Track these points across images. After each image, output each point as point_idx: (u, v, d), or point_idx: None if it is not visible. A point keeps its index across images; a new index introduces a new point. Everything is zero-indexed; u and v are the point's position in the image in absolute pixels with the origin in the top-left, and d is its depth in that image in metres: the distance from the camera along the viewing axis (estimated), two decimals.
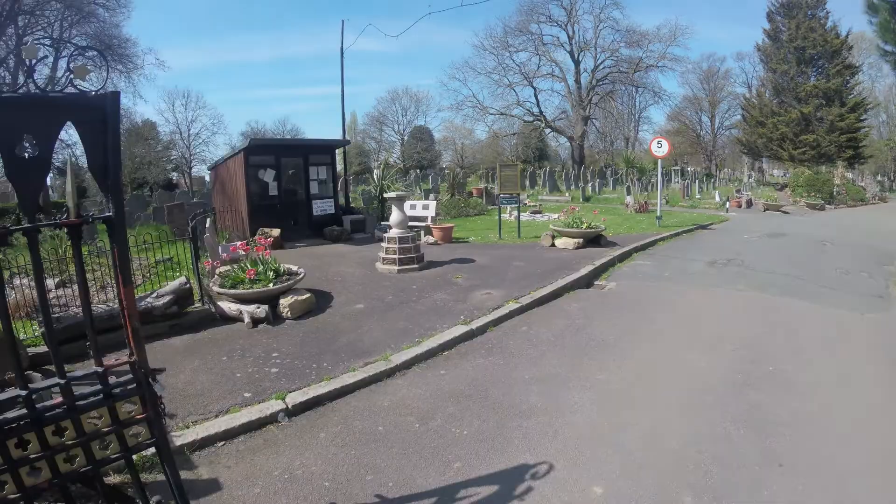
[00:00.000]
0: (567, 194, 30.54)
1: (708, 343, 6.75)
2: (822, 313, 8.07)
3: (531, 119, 53.39)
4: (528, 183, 36.31)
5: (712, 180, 39.54)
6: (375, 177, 18.91)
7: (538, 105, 52.86)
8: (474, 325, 7.46)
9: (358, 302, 8.60)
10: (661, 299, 8.92)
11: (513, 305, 8.36)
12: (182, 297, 7.38)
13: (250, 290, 7.73)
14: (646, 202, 22.49)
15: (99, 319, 6.45)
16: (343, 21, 19.62)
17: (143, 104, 72.92)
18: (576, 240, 12.85)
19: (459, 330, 7.23)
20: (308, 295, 8.12)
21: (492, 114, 52.25)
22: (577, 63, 50.62)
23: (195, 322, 7.40)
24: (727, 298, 8.91)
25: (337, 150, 18.06)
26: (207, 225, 12.25)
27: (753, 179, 45.19)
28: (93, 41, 32.80)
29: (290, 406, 5.07)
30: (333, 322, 7.60)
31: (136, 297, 7.38)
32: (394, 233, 11.08)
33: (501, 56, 50.61)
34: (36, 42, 31.65)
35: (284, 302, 7.70)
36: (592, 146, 61.47)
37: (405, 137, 67.09)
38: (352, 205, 18.97)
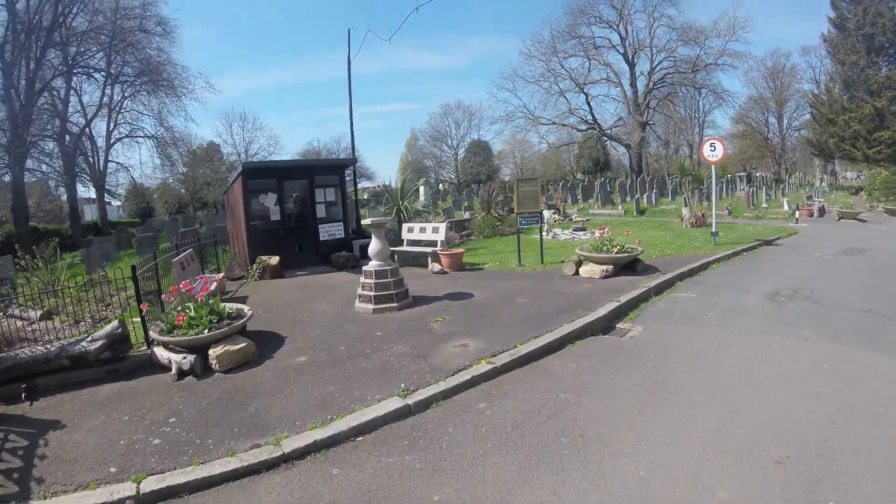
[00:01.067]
0: (620, 207, 27.88)
1: (742, 447, 4.45)
2: None
3: (585, 128, 50.34)
4: (580, 196, 33.81)
5: (781, 186, 35.42)
6: (392, 195, 17.25)
7: (591, 112, 49.94)
8: (414, 398, 5.59)
9: (304, 353, 7.11)
10: (694, 355, 6.59)
11: (483, 367, 6.34)
12: (116, 341, 6.70)
13: (177, 338, 6.63)
14: (703, 214, 19.70)
15: (34, 363, 6.34)
16: (349, 30, 18.07)
17: (196, 127, 74.71)
18: (604, 266, 10.60)
19: (391, 405, 5.43)
20: (244, 344, 6.79)
21: (544, 123, 49.73)
22: (631, 65, 47.26)
23: (132, 368, 6.77)
24: (786, 354, 6.44)
25: (347, 171, 16.54)
26: (181, 256, 11.00)
27: (826, 183, 40.49)
28: (143, 67, 33.38)
29: (140, 494, 4.21)
30: (259, 380, 6.26)
31: (73, 339, 7.05)
32: (371, 265, 9.34)
33: (550, 62, 48.18)
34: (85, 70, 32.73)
35: (213, 352, 6.55)
36: (654, 154, 57.69)
37: (458, 152, 65.52)
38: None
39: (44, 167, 30.29)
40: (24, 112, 26.18)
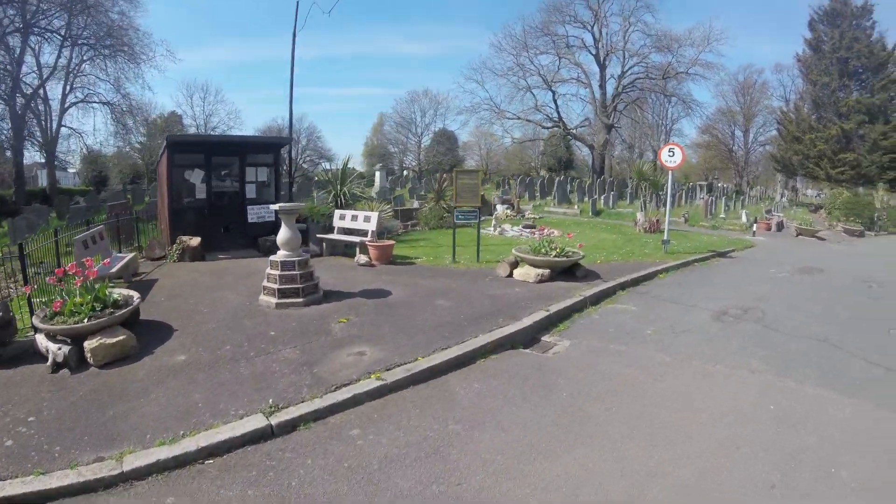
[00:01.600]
0: (577, 207, 26.99)
1: None
2: (886, 426, 4.62)
3: (550, 125, 49.48)
4: (538, 193, 32.90)
5: (742, 198, 35.23)
6: (332, 177, 15.83)
7: (557, 110, 48.86)
8: (279, 417, 4.58)
9: (187, 350, 6.13)
10: (623, 382, 5.53)
11: (370, 384, 5.22)
12: None
13: (56, 326, 5.85)
14: (658, 220, 18.89)
15: None
16: (297, 2, 16.43)
17: (154, 95, 71.05)
18: (539, 270, 9.50)
19: (251, 424, 4.46)
20: (122, 337, 5.93)
21: (508, 118, 48.51)
22: (602, 67, 46.44)
23: (15, 355, 6.00)
24: (729, 388, 5.43)
25: (283, 150, 15.12)
26: (86, 234, 9.57)
27: (786, 199, 40.66)
28: (103, 31, 31.45)
29: None
30: (130, 379, 5.41)
31: None
32: (278, 255, 8.12)
33: (520, 57, 46.89)
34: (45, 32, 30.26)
35: (88, 345, 5.73)
36: (618, 157, 57.30)
37: (422, 140, 64.05)
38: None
39: None
40: None
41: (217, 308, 7.86)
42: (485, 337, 6.59)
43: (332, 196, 14.73)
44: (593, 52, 46.07)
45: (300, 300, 7.96)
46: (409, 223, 18.31)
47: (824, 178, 38.23)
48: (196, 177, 12.81)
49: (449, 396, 5.19)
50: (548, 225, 19.88)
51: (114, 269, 9.26)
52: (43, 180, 42.29)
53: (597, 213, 25.30)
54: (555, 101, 48.01)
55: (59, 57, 32.06)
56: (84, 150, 38.75)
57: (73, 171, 50.92)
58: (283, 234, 8.15)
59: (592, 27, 45.47)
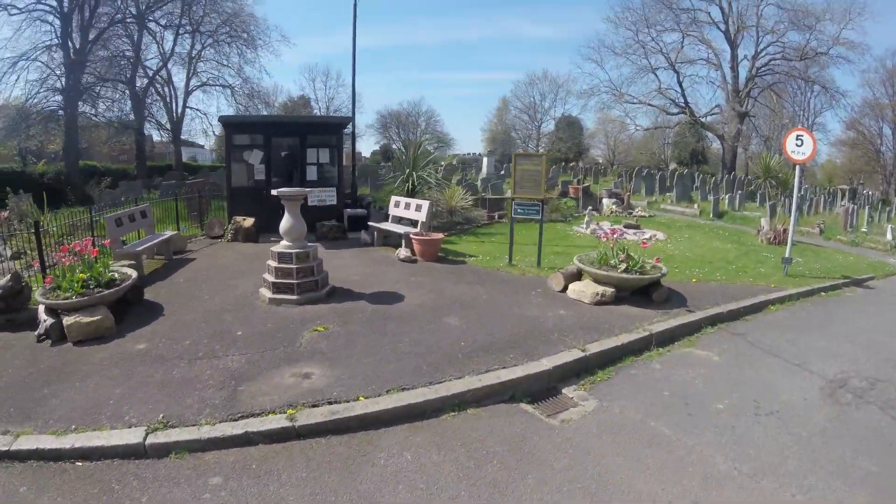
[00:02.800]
0: (696, 206, 23.48)
1: None
2: None
3: (676, 111, 43.86)
4: (657, 188, 29.42)
5: (888, 209, 29.19)
6: (403, 161, 14.41)
7: (683, 94, 42.78)
8: (157, 439, 3.97)
9: (155, 339, 5.90)
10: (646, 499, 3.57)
11: (278, 422, 4.13)
12: (9, 294, 6.36)
13: (48, 300, 6.02)
14: (785, 230, 15.48)
15: None
16: None
17: (269, 78, 73.01)
18: (601, 288, 7.39)
19: (126, 438, 3.95)
20: (98, 317, 5.91)
21: (629, 102, 43.76)
22: (733, 46, 39.67)
23: (24, 321, 6.36)
24: None
25: (346, 130, 13.88)
26: (122, 212, 9.30)
27: None
28: (220, 19, 33.06)
29: None
30: (85, 360, 5.37)
31: None
32: (279, 246, 6.93)
33: (640, 34, 41.51)
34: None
35: (66, 321, 5.81)
36: (753, 152, 50.34)
37: (541, 126, 60.86)
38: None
39: (114, 109, 30.48)
40: (79, 57, 26.47)
41: (218, 296, 7.35)
42: (471, 381, 4.85)
43: (401, 181, 13.32)
44: (722, 27, 39.61)
45: (294, 297, 6.92)
46: (496, 213, 16.49)
47: None
48: (254, 157, 12.16)
49: (361, 465, 3.70)
50: (655, 225, 17.15)
51: (141, 248, 8.75)
52: (182, 156, 44.96)
53: (719, 214, 21.76)
54: (680, 84, 42.41)
55: (175, 44, 33.67)
56: (211, 130, 40.63)
57: (210, 148, 53.54)
58: (284, 222, 7.02)
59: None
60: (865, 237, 19.22)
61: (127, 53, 30.82)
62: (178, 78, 35.60)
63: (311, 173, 12.44)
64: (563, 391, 5.12)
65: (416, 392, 4.67)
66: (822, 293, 9.94)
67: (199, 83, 35.81)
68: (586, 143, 62.84)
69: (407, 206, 10.71)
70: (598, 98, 45.03)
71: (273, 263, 7.01)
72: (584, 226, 15.21)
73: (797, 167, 11.16)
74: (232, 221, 11.54)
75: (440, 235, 9.85)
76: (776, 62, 39.13)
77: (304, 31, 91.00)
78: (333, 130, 12.79)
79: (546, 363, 5.30)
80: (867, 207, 25.22)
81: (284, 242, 7.08)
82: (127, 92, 30.68)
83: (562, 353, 5.59)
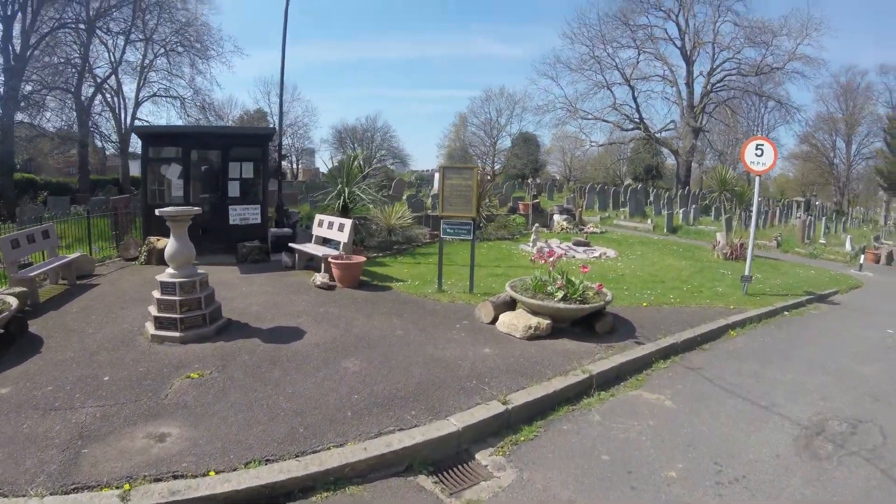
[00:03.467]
0: (650, 221, 22.92)
1: None
2: None
3: (631, 127, 43.78)
4: (610, 203, 28.91)
5: (843, 220, 29.31)
6: (333, 176, 13.17)
7: (638, 110, 42.62)
8: None
9: (13, 383, 4.77)
10: None
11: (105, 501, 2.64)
12: None
13: None
14: (742, 245, 14.80)
15: None
16: None
17: (238, 93, 71.38)
18: (535, 320, 6.28)
19: None
20: None
21: (584, 117, 43.40)
22: (689, 62, 39.84)
23: None
24: None
25: (272, 144, 12.69)
26: (19, 233, 7.94)
27: (893, 222, 33.83)
28: (175, 27, 31.81)
29: None
30: None
31: None
32: (165, 275, 5.64)
33: (596, 49, 41.37)
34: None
35: None
36: (707, 168, 50.77)
37: (497, 142, 60.44)
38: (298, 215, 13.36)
39: (58, 119, 28.92)
40: (20, 63, 24.83)
41: (103, 330, 6.28)
42: (353, 450, 3.68)
43: (332, 197, 12.06)
44: (678, 44, 39.89)
45: (178, 334, 5.68)
46: (439, 232, 15.36)
47: None
48: (172, 172, 10.82)
49: None
50: (606, 242, 16.31)
51: (35, 273, 7.74)
52: (132, 169, 43.09)
53: (673, 229, 21.20)
54: (635, 100, 42.29)
55: (124, 52, 32.05)
56: None
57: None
58: (169, 246, 5.85)
59: (677, 16, 39.23)
60: (824, 249, 18.82)
61: (73, 61, 29.04)
62: (129, 88, 34.16)
63: (234, 189, 11.15)
64: (477, 456, 3.96)
65: (281, 466, 3.48)
66: (786, 312, 9.15)
67: (149, 94, 34.40)
68: (542, 160, 62.70)
69: (330, 225, 9.44)
70: (553, 114, 44.68)
71: (156, 294, 5.72)
72: (531, 244, 14.21)
73: (756, 178, 10.39)
74: (147, 242, 10.16)
75: (361, 259, 8.59)
76: (731, 77, 39.36)
77: (259, 44, 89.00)
78: (258, 143, 11.52)
79: (454, 422, 4.13)
80: (823, 219, 25.09)
81: (169, 270, 5.79)
82: (72, 102, 28.91)
83: (478, 406, 4.42)
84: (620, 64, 40.68)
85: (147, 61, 33.06)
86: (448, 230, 8.01)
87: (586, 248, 14.91)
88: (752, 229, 10.59)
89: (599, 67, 41.14)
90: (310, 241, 10.01)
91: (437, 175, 29.16)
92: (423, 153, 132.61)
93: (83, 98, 29.77)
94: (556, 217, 19.80)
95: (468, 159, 61.39)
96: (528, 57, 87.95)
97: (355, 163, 12.62)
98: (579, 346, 6.13)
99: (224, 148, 11.09)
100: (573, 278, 6.80)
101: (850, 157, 46.78)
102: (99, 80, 31.00)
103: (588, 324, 6.62)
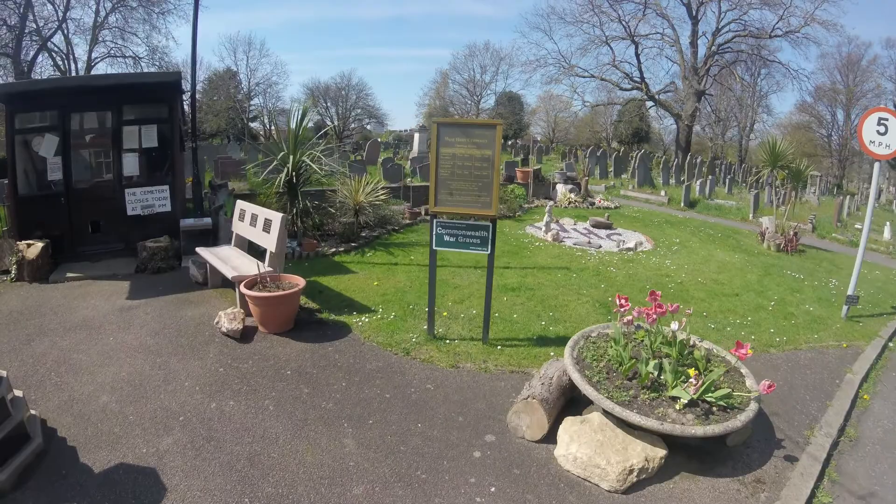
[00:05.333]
0: (663, 192, 19.66)
1: None
2: None
3: (630, 86, 39.06)
4: (611, 169, 25.57)
5: (854, 199, 26.36)
6: (283, 137, 9.43)
7: (640, 68, 37.77)
8: None
9: None
10: None
11: None
12: None
13: None
14: (796, 234, 11.70)
15: None
16: None
17: (178, 47, 65.19)
18: (643, 451, 3.02)
19: None
20: None
21: (580, 75, 38.98)
22: (694, 20, 35.14)
23: None
24: None
25: (185, 96, 8.80)
26: None
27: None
28: None
29: None
30: None
31: None
32: None
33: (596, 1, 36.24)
34: None
35: None
36: (701, 132, 47.36)
37: (481, 101, 56.05)
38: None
39: None
40: None
41: None
42: None
43: (270, 171, 8.42)
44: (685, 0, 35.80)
45: None
46: (422, 209, 11.88)
47: None
48: (47, 146, 7.10)
49: None
50: (628, 222, 13.04)
51: None
52: None
53: (691, 203, 18.02)
54: (637, 57, 37.47)
55: (68, 6, 27.57)
56: None
57: None
58: None
59: None
60: (860, 233, 15.87)
61: (9, 22, 24.68)
62: (82, 50, 29.91)
63: (131, 165, 7.50)
64: None
65: None
66: (891, 344, 6.38)
67: (104, 53, 30.33)
68: (526, 120, 58.78)
69: (253, 220, 5.84)
70: (544, 70, 40.50)
71: None
72: (543, 227, 10.84)
73: (877, 164, 7.17)
74: (14, 250, 6.56)
75: (296, 287, 4.92)
76: (741, 38, 35.24)
77: (227, 3, 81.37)
78: (163, 95, 7.60)
79: None
80: (848, 199, 22.18)
81: None
82: (12, 64, 24.97)
83: None
84: (624, 16, 36.39)
85: (99, 19, 28.89)
86: (446, 238, 4.54)
87: (610, 231, 11.65)
88: (864, 232, 7.38)
89: (599, 21, 36.83)
90: (227, 244, 6.49)
91: (417, 136, 25.26)
92: (402, 112, 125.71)
93: (23, 62, 25.88)
94: (561, 187, 16.39)
95: (448, 116, 57.04)
96: (510, 17, 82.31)
97: (306, 120, 8.91)
98: (713, 490, 2.96)
99: (115, 106, 7.36)
100: (709, 365, 3.52)
101: (849, 130, 43.81)
102: (44, 39, 26.76)
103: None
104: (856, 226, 17.61)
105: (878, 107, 7.06)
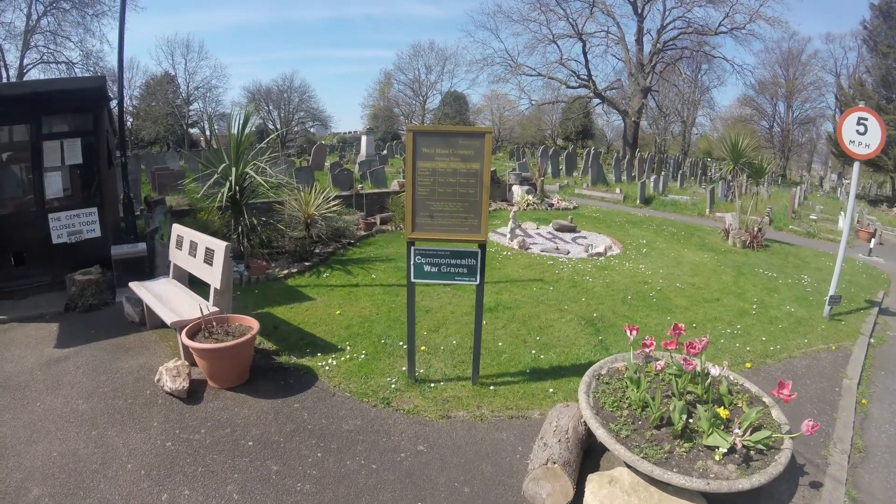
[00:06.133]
0: (617, 189, 19.72)
1: None
2: None
3: (577, 84, 39.30)
4: (562, 168, 25.60)
5: (801, 188, 27.35)
6: (223, 143, 8.60)
7: (587, 66, 38.25)
8: None
9: None
10: None
11: None
12: None
13: None
14: (760, 230, 11.75)
15: None
16: None
17: (142, 57, 62.49)
18: None
19: None
20: None
21: (527, 74, 38.98)
22: (640, 17, 35.88)
23: None
24: None
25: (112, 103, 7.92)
26: None
27: (844, 191, 32.61)
28: None
29: None
30: None
31: None
32: None
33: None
34: None
35: None
36: (647, 128, 48.38)
37: (427, 101, 55.57)
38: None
39: None
40: None
41: None
42: None
43: (210, 185, 7.61)
44: None
45: None
46: (376, 218, 11.27)
47: (892, 169, 30.34)
48: None
49: None
50: (591, 223, 12.83)
51: None
52: None
53: (647, 200, 18.12)
54: (585, 55, 37.99)
55: None
56: None
57: None
58: None
59: None
60: (815, 225, 16.30)
61: None
62: (13, 56, 28.53)
63: (54, 185, 6.57)
64: None
65: None
66: (871, 339, 6.43)
67: (36, 59, 28.84)
68: (472, 120, 58.72)
69: (192, 249, 5.03)
70: (491, 70, 40.39)
71: None
72: (508, 234, 10.43)
73: (855, 164, 7.09)
74: None
75: (249, 332, 4.19)
76: (686, 35, 36.15)
77: (164, 4, 77.49)
78: (86, 103, 6.63)
79: None
80: (800, 189, 22.86)
81: None
82: None
83: None
84: (571, 14, 36.65)
85: (32, 22, 27.35)
86: (426, 268, 3.97)
87: (575, 234, 11.37)
88: (845, 232, 7.30)
89: (546, 19, 36.97)
90: (168, 272, 5.70)
91: (364, 138, 24.57)
92: (346, 113, 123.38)
93: None
94: (517, 189, 16.11)
95: (394, 119, 56.32)
96: (456, 17, 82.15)
97: (249, 126, 8.13)
98: None
99: (32, 118, 6.41)
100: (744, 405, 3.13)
101: (790, 122, 45.77)
102: None
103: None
104: (810, 216, 18.09)
105: (858, 106, 6.92)
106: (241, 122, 7.89)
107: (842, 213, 17.40)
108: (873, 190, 35.79)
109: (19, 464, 3.21)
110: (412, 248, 3.94)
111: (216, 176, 7.44)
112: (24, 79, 27.39)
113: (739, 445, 2.82)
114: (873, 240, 13.39)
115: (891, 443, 3.97)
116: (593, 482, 2.93)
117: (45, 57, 28.93)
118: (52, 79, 24.65)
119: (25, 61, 28.33)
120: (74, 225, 6.63)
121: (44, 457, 3.28)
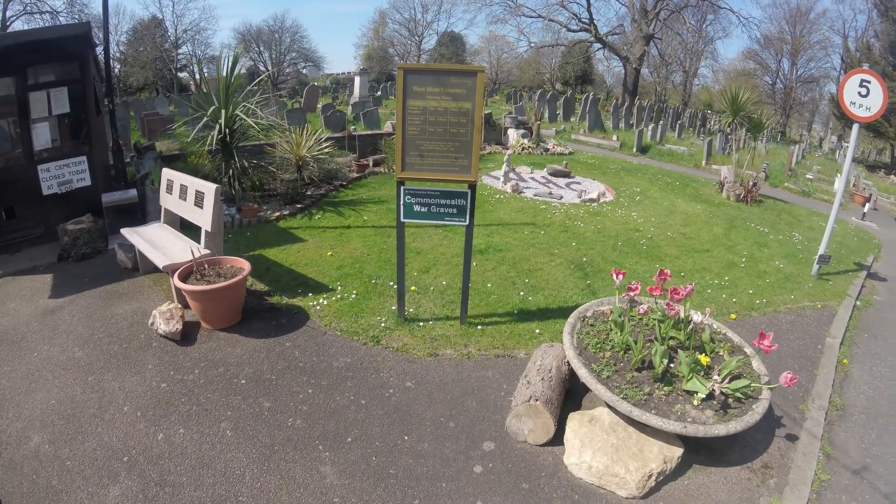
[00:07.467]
0: (614, 136, 19.57)
1: None
2: None
3: (578, 28, 38.25)
4: (559, 112, 25.22)
5: (801, 147, 27.15)
6: (213, 87, 8.39)
7: (589, 8, 37.01)
8: None
9: None
10: None
11: None
12: None
13: None
14: (755, 184, 11.77)
15: None
16: None
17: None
18: (660, 451, 2.77)
19: None
20: None
21: (527, 15, 37.97)
22: None
23: None
24: None
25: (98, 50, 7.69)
26: None
27: (842, 154, 32.36)
28: None
29: None
30: None
31: None
32: None
33: None
34: None
35: None
36: (648, 76, 47.45)
37: (423, 42, 54.10)
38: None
39: None
40: None
41: None
42: None
43: (200, 129, 7.49)
44: None
45: None
46: (369, 160, 11.18)
47: (893, 136, 30.09)
48: None
49: None
50: (586, 169, 12.80)
51: None
52: None
53: (643, 149, 18.02)
54: None
55: None
56: None
57: None
58: None
59: None
60: (811, 184, 16.31)
61: None
62: None
63: (42, 135, 6.41)
64: None
65: None
66: (857, 302, 6.53)
67: (20, 10, 28.36)
68: (469, 62, 57.30)
69: (182, 192, 4.99)
70: (489, 10, 39.22)
71: None
72: (501, 177, 10.38)
73: (855, 126, 7.03)
74: None
75: (240, 273, 4.25)
76: None
77: None
78: (71, 51, 6.40)
79: None
80: (798, 147, 22.69)
81: None
82: None
83: None
84: None
85: None
86: (416, 208, 4.02)
87: (569, 179, 11.36)
88: (838, 195, 7.32)
89: None
90: (159, 217, 5.68)
91: (357, 79, 23.95)
92: (340, 54, 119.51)
93: None
94: (512, 133, 15.95)
95: (388, 60, 54.84)
96: None
97: (238, 68, 7.93)
98: (727, 482, 2.86)
99: (17, 69, 6.18)
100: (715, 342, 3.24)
101: (794, 80, 44.97)
102: None
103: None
104: (806, 175, 18.08)
105: (861, 68, 6.78)
106: (230, 63, 7.71)
107: (838, 174, 17.37)
108: (872, 155, 35.57)
109: (19, 414, 3.30)
110: (402, 187, 3.95)
111: (206, 119, 7.34)
112: (8, 31, 26.50)
113: (718, 392, 2.94)
114: (868, 204, 13.41)
115: (869, 404, 4.08)
116: (574, 420, 3.07)
117: (28, 7, 28.36)
118: (35, 28, 23.69)
119: (9, 13, 27.78)
120: (64, 175, 6.54)
121: (42, 405, 3.37)
